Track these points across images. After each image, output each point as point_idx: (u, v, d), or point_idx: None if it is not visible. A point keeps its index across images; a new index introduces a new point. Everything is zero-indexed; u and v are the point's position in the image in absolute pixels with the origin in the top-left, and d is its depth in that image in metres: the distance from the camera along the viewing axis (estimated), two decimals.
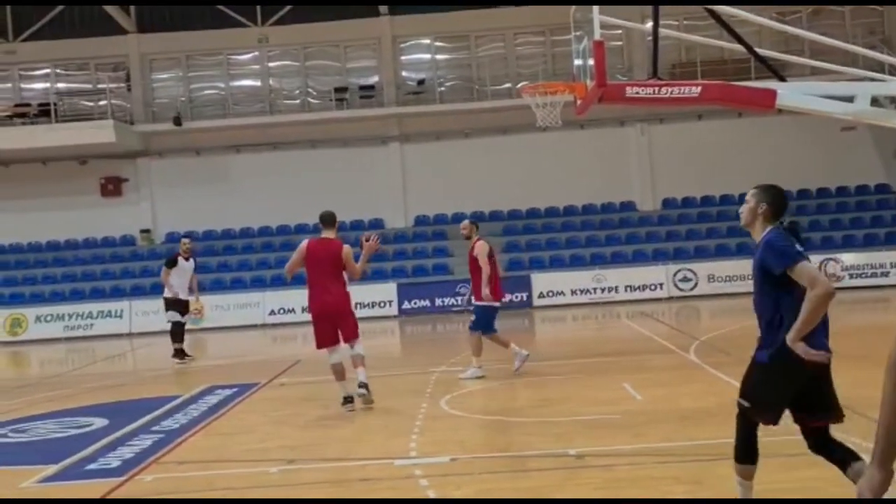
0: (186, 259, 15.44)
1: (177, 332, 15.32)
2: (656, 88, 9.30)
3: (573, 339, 17.26)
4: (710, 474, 5.98)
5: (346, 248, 9.51)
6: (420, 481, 6.37)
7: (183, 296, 15.35)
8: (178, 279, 15.28)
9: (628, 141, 27.31)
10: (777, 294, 4.76)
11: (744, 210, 5.02)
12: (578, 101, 10.31)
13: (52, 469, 7.39)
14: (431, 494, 6.05)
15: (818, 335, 4.70)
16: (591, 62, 9.85)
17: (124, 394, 12.04)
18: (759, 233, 4.92)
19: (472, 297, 11.47)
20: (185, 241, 15.98)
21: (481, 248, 11.14)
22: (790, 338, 4.65)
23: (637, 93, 9.28)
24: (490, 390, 10.45)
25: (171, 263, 15.38)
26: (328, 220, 9.61)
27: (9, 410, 10.97)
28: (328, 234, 9.57)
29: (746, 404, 4.87)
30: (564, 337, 18.02)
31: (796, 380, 4.71)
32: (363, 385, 9.53)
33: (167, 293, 15.39)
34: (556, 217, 27.22)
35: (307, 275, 9.50)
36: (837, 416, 4.80)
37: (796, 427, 4.93)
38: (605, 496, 5.76)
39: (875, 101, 10.19)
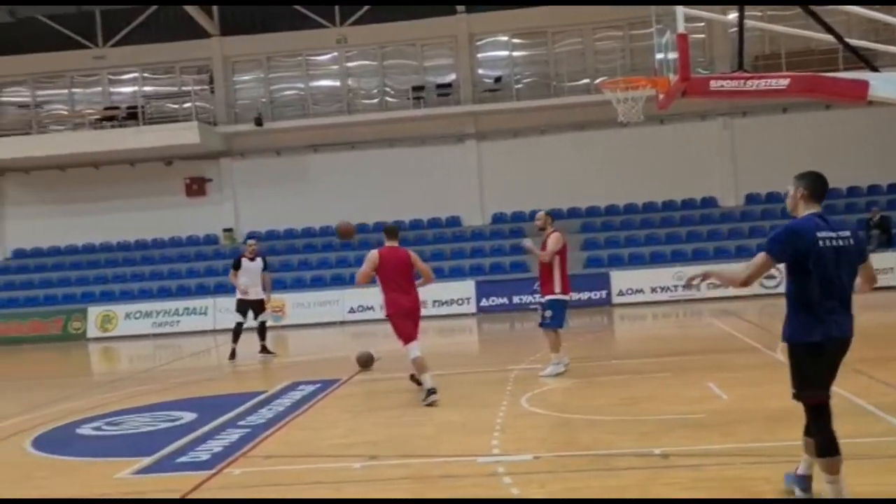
0: (251, 259, 15.73)
1: (238, 332, 15.72)
2: (742, 81, 9.07)
3: (654, 336, 17.00)
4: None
5: (412, 253, 10.17)
6: (503, 479, 6.36)
7: (253, 295, 15.64)
8: (247, 279, 15.61)
9: (710, 135, 26.77)
10: (787, 280, 5.09)
11: (788, 199, 5.30)
12: (660, 96, 10.13)
13: (145, 461, 7.62)
14: (515, 493, 6.03)
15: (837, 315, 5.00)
16: (672, 56, 9.67)
17: (211, 389, 12.34)
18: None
19: (541, 292, 11.23)
20: (251, 242, 16.49)
21: (556, 240, 11.01)
22: (705, 268, 5.52)
23: (722, 86, 9.08)
24: (571, 388, 10.37)
25: (236, 265, 15.76)
26: (393, 232, 10.25)
27: (103, 404, 11.35)
28: (393, 243, 10.09)
29: (794, 390, 5.14)
30: (645, 335, 17.77)
31: (817, 354, 5.03)
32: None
33: (237, 294, 15.78)
34: (636, 214, 26.87)
35: (381, 280, 9.94)
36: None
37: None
38: (693, 496, 5.66)
39: None
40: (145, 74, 29.15)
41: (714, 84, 9.25)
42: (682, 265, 23.68)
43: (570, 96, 26.73)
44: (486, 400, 9.72)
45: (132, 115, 27.77)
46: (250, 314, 15.73)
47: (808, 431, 5.15)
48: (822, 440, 4.99)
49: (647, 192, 26.75)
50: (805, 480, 5.35)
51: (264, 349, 15.89)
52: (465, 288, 23.86)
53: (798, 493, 5.34)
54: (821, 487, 5.13)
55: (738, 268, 5.28)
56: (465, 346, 17.94)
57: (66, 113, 29.45)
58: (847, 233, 5.06)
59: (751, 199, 26.67)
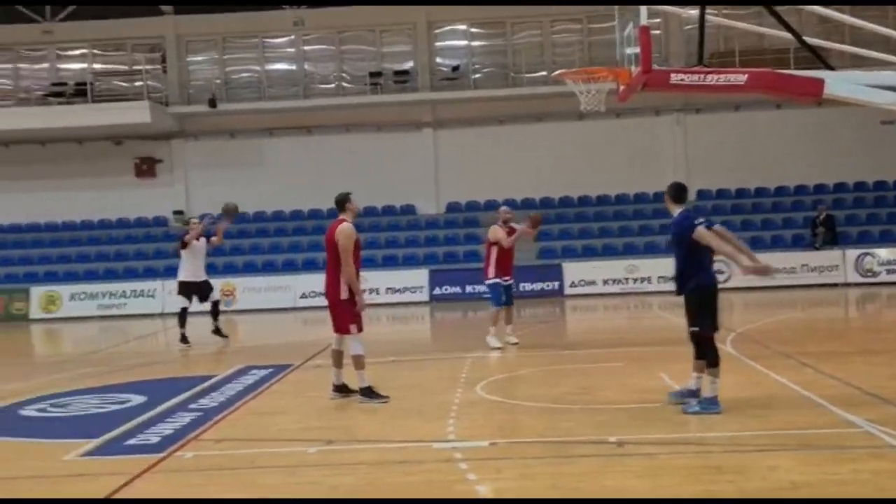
0: (198, 239, 15.02)
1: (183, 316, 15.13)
2: (702, 75, 9.12)
3: (607, 328, 17.16)
4: (758, 465, 5.92)
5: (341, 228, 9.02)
6: (459, 465, 6.35)
7: (200, 276, 15.04)
8: (195, 259, 14.94)
9: (663, 130, 27.01)
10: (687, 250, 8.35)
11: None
12: (621, 88, 10.17)
13: (93, 443, 7.45)
14: (472, 478, 6.02)
15: None
16: (632, 50, 9.69)
17: (160, 372, 12.13)
18: None
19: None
20: (195, 220, 15.88)
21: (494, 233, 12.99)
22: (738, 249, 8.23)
23: (682, 79, 9.10)
24: (525, 377, 10.41)
25: (185, 244, 14.88)
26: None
27: (48, 385, 11.08)
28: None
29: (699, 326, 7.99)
30: (598, 326, 17.92)
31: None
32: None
33: (182, 275, 15.06)
34: (590, 206, 27.08)
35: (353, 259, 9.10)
36: None
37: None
38: (644, 483, 5.71)
39: None
40: (95, 51, 28.48)
41: (674, 77, 9.27)
42: (634, 258, 23.97)
43: (528, 87, 26.78)
44: (440, 387, 9.71)
45: (80, 93, 27.13)
46: (194, 298, 15.05)
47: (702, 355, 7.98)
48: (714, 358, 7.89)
49: (602, 186, 26.94)
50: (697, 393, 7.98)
51: (217, 331, 15.44)
52: (419, 276, 23.84)
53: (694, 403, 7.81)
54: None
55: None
56: (419, 333, 17.92)
57: (10, 88, 28.67)
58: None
59: (702, 195, 26.96)
